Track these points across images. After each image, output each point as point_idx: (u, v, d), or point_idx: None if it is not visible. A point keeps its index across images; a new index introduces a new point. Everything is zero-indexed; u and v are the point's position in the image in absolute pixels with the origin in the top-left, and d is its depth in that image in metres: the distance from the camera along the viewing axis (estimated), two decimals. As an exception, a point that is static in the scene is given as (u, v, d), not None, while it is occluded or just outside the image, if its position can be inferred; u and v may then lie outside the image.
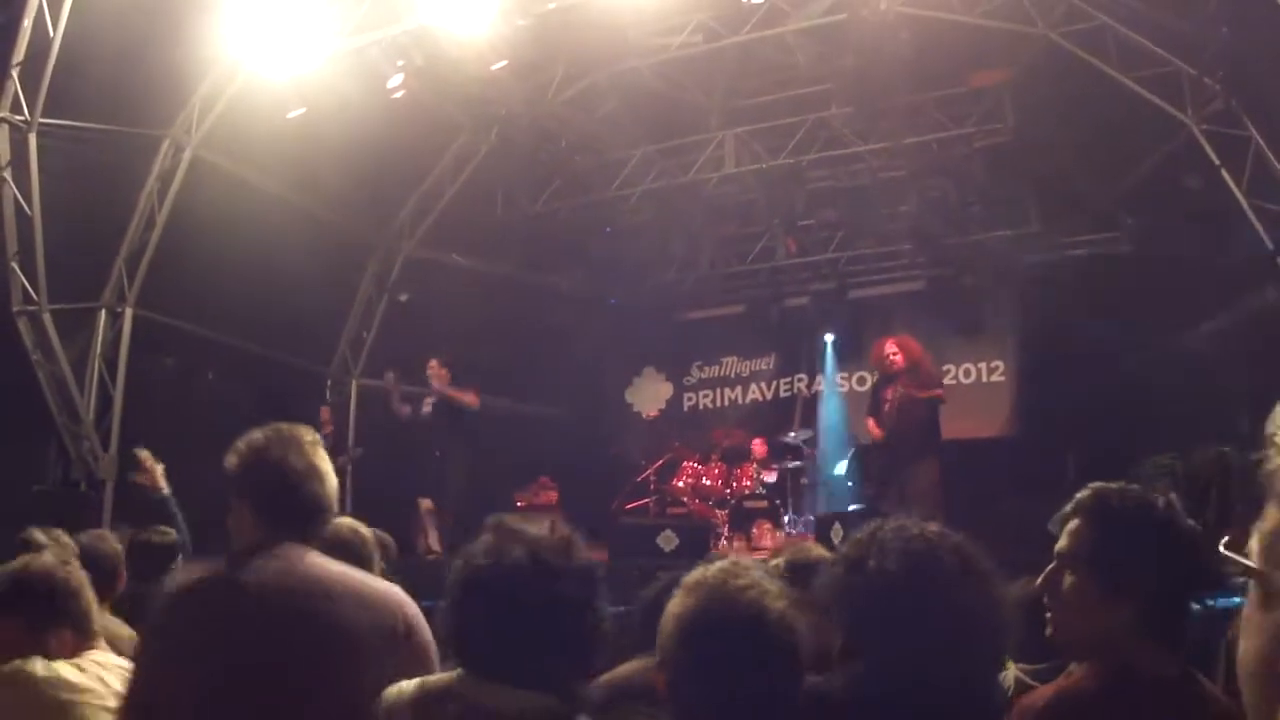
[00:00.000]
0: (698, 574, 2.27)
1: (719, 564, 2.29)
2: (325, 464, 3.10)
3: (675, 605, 2.23)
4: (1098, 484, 2.46)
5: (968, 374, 15.26)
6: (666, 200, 14.85)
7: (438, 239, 15.22)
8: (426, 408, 12.09)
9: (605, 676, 3.24)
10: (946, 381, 13.32)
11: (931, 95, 13.16)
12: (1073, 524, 2.48)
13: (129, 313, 11.80)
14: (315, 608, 2.84)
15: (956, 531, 2.41)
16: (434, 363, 12.07)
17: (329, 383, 15.01)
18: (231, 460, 3.08)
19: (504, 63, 11.59)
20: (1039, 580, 2.54)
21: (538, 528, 2.55)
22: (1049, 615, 2.50)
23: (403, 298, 15.12)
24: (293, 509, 3.02)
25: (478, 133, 14.16)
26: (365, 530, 4.48)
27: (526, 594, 2.37)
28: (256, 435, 3.08)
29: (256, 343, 13.36)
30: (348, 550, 4.17)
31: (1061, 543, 2.49)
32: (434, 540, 11.56)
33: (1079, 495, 2.49)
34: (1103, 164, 12.77)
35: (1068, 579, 2.45)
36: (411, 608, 3.02)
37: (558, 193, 15.14)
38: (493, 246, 15.55)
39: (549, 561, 2.42)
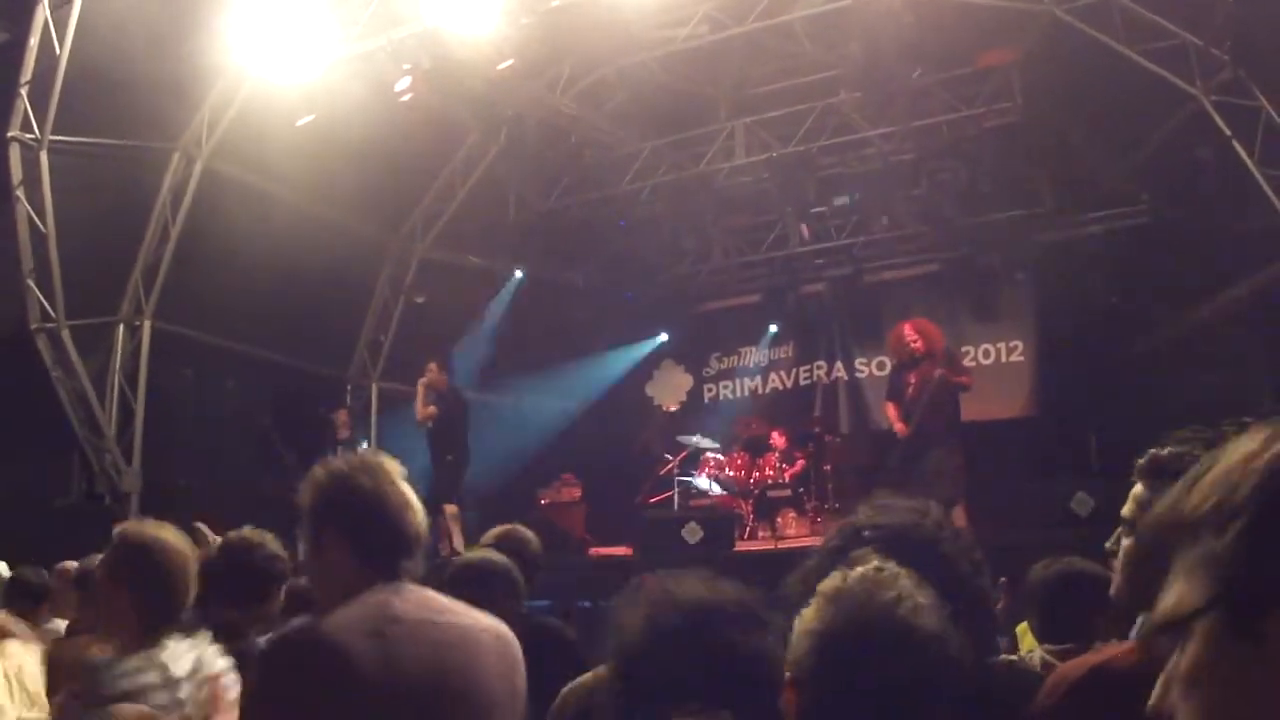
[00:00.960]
0: (836, 581, 2.01)
1: (860, 571, 2.02)
2: (413, 494, 2.87)
3: (813, 617, 1.98)
4: (1155, 449, 2.45)
5: (987, 355, 15.18)
6: (678, 192, 14.81)
7: (451, 240, 15.25)
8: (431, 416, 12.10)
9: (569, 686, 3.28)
10: (965, 363, 13.25)
11: (939, 77, 13.10)
12: (1135, 489, 2.49)
13: (147, 325, 11.89)
14: (466, 661, 2.69)
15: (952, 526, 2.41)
16: (433, 365, 12.07)
17: (349, 387, 15.03)
18: (317, 489, 2.79)
19: (510, 62, 11.56)
20: (1109, 543, 2.57)
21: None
22: (1116, 580, 2.54)
23: (418, 299, 15.15)
24: (399, 544, 2.77)
25: (487, 133, 14.07)
26: (499, 557, 4.41)
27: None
28: (336, 462, 2.82)
29: (275, 350, 13.40)
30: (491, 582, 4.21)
31: (1126, 508, 2.50)
32: (458, 543, 11.54)
33: (1139, 461, 2.48)
34: (1114, 140, 12.69)
35: (1127, 543, 2.47)
36: (518, 649, 2.87)
37: (569, 189, 15.11)
38: (506, 245, 15.55)
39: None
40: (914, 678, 1.89)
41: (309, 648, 2.51)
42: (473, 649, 2.71)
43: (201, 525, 5.49)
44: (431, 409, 11.99)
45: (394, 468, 2.81)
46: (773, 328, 16.63)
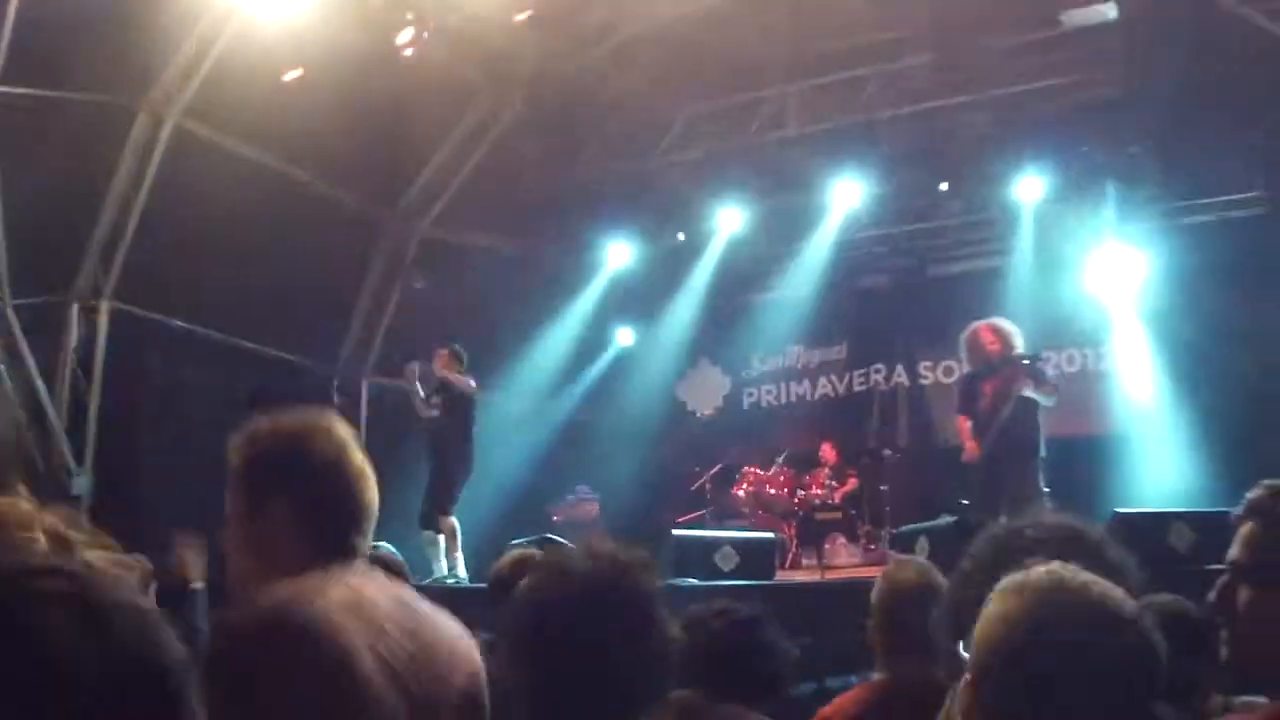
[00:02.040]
0: (1017, 578, 2.05)
1: (1040, 568, 2.07)
2: (368, 464, 2.71)
3: (998, 609, 2.02)
4: (1272, 481, 2.34)
5: (1071, 361, 14.99)
6: (719, 166, 14.67)
7: (457, 216, 15.13)
8: (434, 410, 11.79)
9: None
10: (1049, 371, 13.03)
11: (1025, 38, 12.89)
12: (1246, 528, 2.36)
13: (105, 306, 11.78)
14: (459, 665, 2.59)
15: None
16: (444, 353, 11.78)
17: (336, 382, 14.95)
18: (262, 450, 2.62)
19: (529, 13, 11.41)
20: (1212, 595, 2.42)
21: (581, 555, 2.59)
22: (1224, 637, 2.40)
23: (418, 284, 15.04)
24: (356, 520, 2.63)
25: (500, 94, 14.03)
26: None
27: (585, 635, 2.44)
28: (287, 420, 2.64)
29: (253, 338, 13.31)
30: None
31: (1234, 551, 2.37)
32: (458, 564, 11.37)
33: (1250, 495, 2.37)
34: (1228, 112, 12.43)
35: (1244, 593, 2.34)
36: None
37: (593, 161, 15.02)
38: (520, 223, 15.42)
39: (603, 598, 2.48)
40: (1123, 660, 1.96)
41: (308, 631, 2.30)
42: (456, 651, 2.61)
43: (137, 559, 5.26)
44: (435, 402, 11.72)
45: (346, 430, 2.69)
46: (825, 325, 16.46)
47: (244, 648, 2.29)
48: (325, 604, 2.34)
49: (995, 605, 2.03)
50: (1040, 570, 2.05)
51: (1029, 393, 10.22)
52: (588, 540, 2.68)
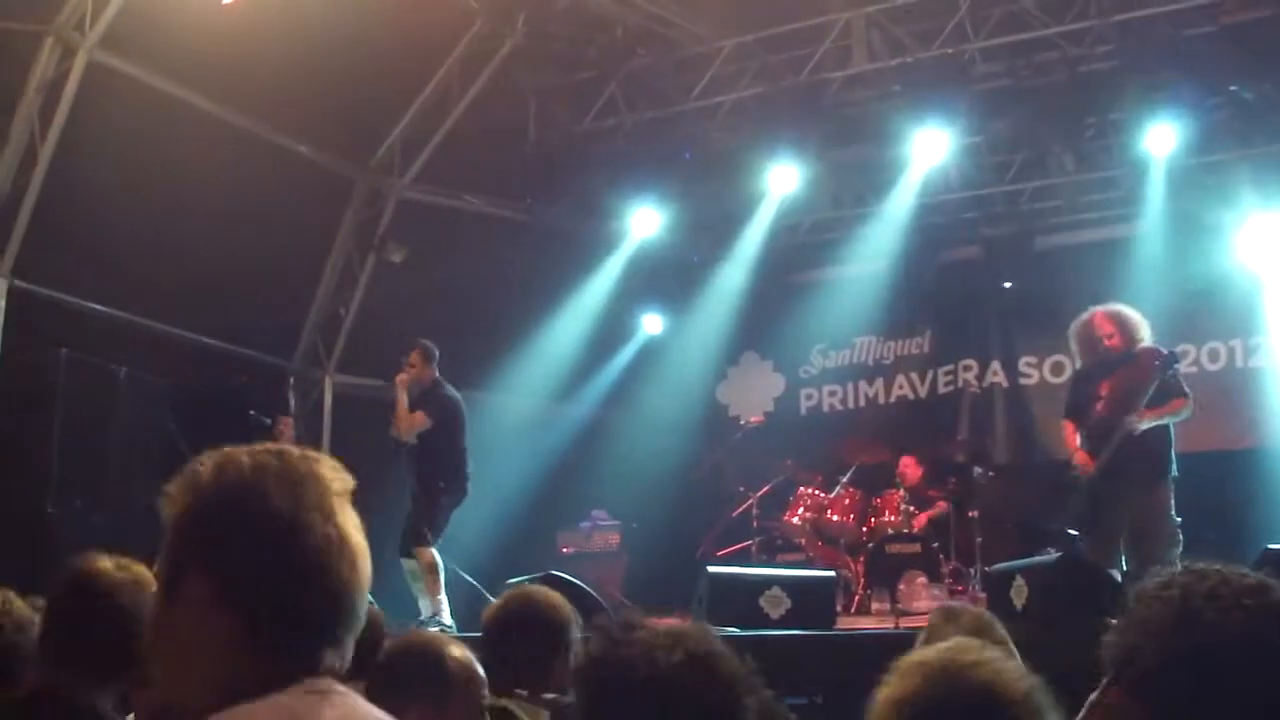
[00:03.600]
0: (915, 656, 2.56)
1: (941, 645, 2.59)
2: (361, 531, 2.32)
3: (892, 690, 2.49)
4: None
5: (1213, 357, 14.88)
6: (770, 111, 14.57)
7: (443, 174, 15.12)
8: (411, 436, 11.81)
9: None
10: (1184, 369, 12.87)
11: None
12: None
13: (1, 285, 11.80)
14: None
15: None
16: (415, 355, 11.81)
17: (291, 380, 14.95)
18: (183, 503, 2.24)
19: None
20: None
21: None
22: None
23: (395, 257, 15.01)
24: (323, 615, 2.24)
25: (497, 22, 13.98)
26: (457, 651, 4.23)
27: None
28: (239, 459, 2.25)
29: (187, 325, 13.29)
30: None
31: None
32: (436, 604, 11.30)
33: None
34: None
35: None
36: None
37: (613, 105, 14.96)
38: (522, 184, 15.37)
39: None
40: None
41: None
42: None
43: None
44: (420, 416, 11.69)
45: (334, 477, 2.28)
46: (902, 311, 16.43)
47: None
48: None
49: (888, 686, 2.49)
50: (937, 649, 2.53)
51: (1145, 425, 10.06)
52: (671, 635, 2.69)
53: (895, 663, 2.58)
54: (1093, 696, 2.57)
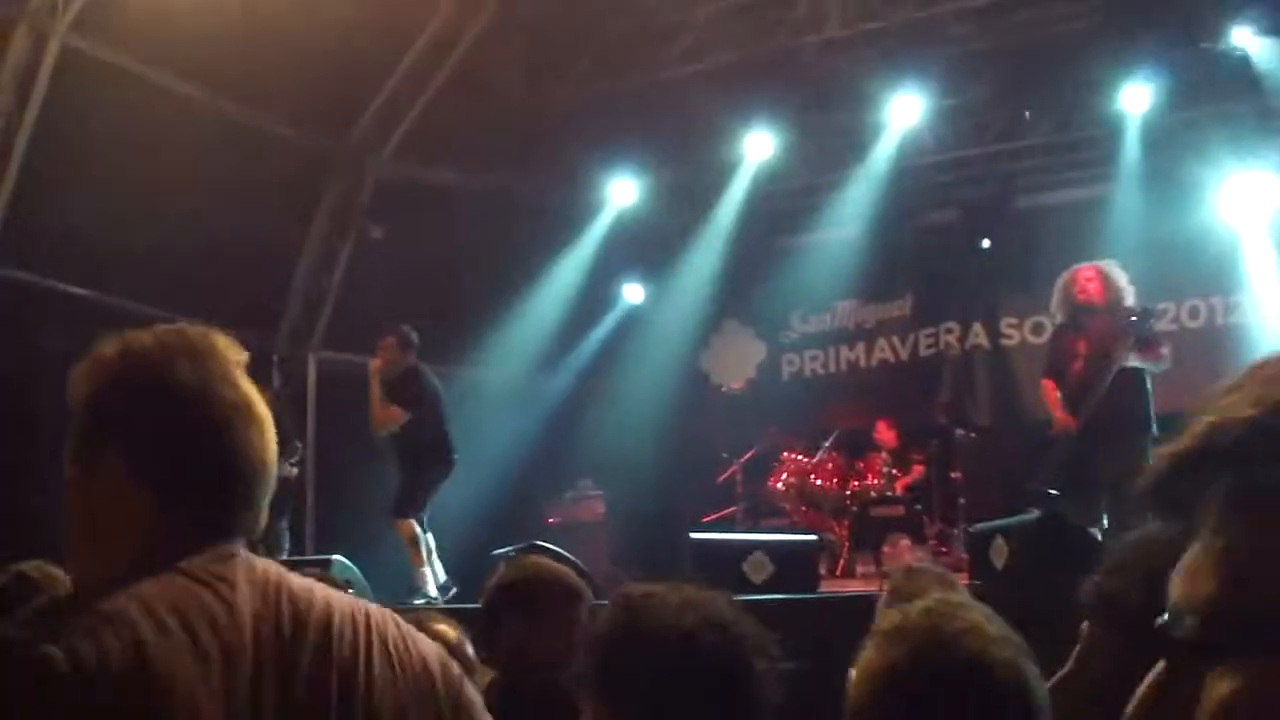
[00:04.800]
0: (896, 618, 2.46)
1: (921, 604, 2.49)
2: (262, 402, 2.37)
3: (871, 659, 2.41)
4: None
5: (1193, 314, 14.89)
6: (745, 77, 14.55)
7: (421, 148, 15.08)
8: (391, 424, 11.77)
9: None
10: (1164, 327, 12.91)
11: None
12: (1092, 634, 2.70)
13: (-19, 272, 11.74)
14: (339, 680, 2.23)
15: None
16: (389, 340, 11.71)
17: (275, 359, 14.93)
18: (93, 383, 2.28)
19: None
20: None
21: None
22: None
23: (375, 233, 15.00)
24: (234, 480, 2.26)
25: (463, 5, 13.93)
26: None
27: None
28: (142, 339, 2.30)
29: (169, 306, 13.20)
30: None
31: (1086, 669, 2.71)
32: (424, 577, 11.32)
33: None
34: None
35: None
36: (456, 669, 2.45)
37: (589, 73, 14.94)
38: (500, 156, 15.34)
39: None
40: (998, 703, 2.33)
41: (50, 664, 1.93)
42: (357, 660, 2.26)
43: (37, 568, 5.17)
44: (395, 412, 11.61)
45: (232, 349, 2.36)
46: (882, 274, 16.43)
47: None
48: (120, 608, 2.02)
49: (868, 653, 2.41)
50: (918, 610, 2.45)
51: (1133, 361, 10.09)
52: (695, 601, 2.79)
53: (874, 627, 2.52)
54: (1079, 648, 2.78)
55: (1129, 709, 1.45)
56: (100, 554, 2.22)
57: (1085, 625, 3.21)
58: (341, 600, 2.32)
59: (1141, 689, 1.45)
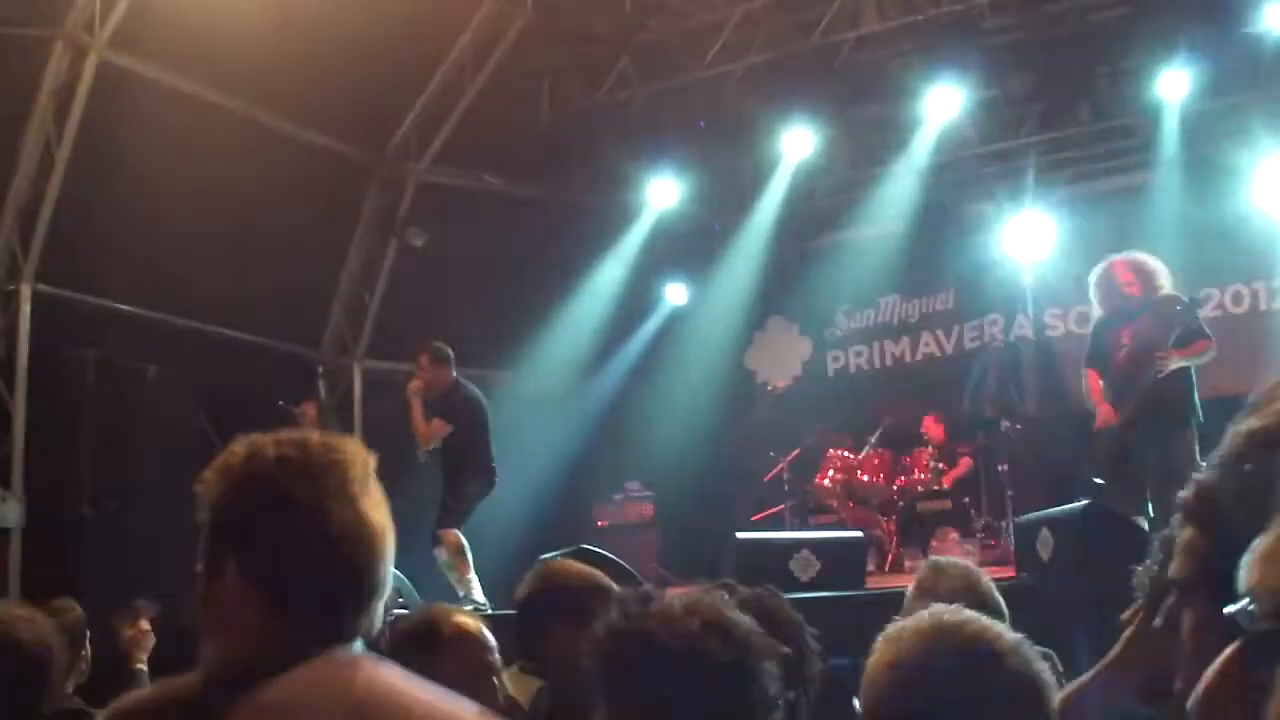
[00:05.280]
0: (896, 626, 2.54)
1: (923, 612, 2.57)
2: (382, 509, 2.55)
3: (882, 654, 2.48)
4: (1203, 473, 2.24)
5: (1237, 299, 14.77)
6: (782, 76, 14.54)
7: (460, 156, 15.10)
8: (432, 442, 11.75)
9: None
10: (1208, 313, 12.84)
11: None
12: (1183, 537, 2.30)
13: (25, 290, 11.81)
14: None
15: None
16: (424, 358, 11.68)
17: (320, 369, 14.93)
18: (219, 488, 2.45)
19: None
20: (1159, 619, 2.60)
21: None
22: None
23: (417, 242, 15.02)
24: (340, 590, 2.45)
25: (506, 1, 13.93)
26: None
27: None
28: (266, 451, 2.46)
29: (213, 320, 13.30)
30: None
31: (1175, 564, 2.32)
32: (468, 585, 11.32)
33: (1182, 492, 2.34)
34: None
35: (1188, 617, 2.27)
36: None
37: (625, 78, 14.94)
38: (539, 161, 15.35)
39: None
40: (1008, 692, 2.39)
41: None
42: None
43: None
44: (439, 425, 11.58)
45: (357, 460, 2.49)
46: (925, 268, 16.36)
47: None
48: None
49: (879, 654, 2.47)
50: (929, 614, 2.51)
51: (1175, 364, 9.97)
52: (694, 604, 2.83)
53: (883, 630, 2.57)
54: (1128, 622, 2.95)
55: (1197, 691, 1.46)
56: (219, 650, 2.41)
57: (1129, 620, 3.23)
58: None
59: (1211, 673, 1.44)
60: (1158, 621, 2.56)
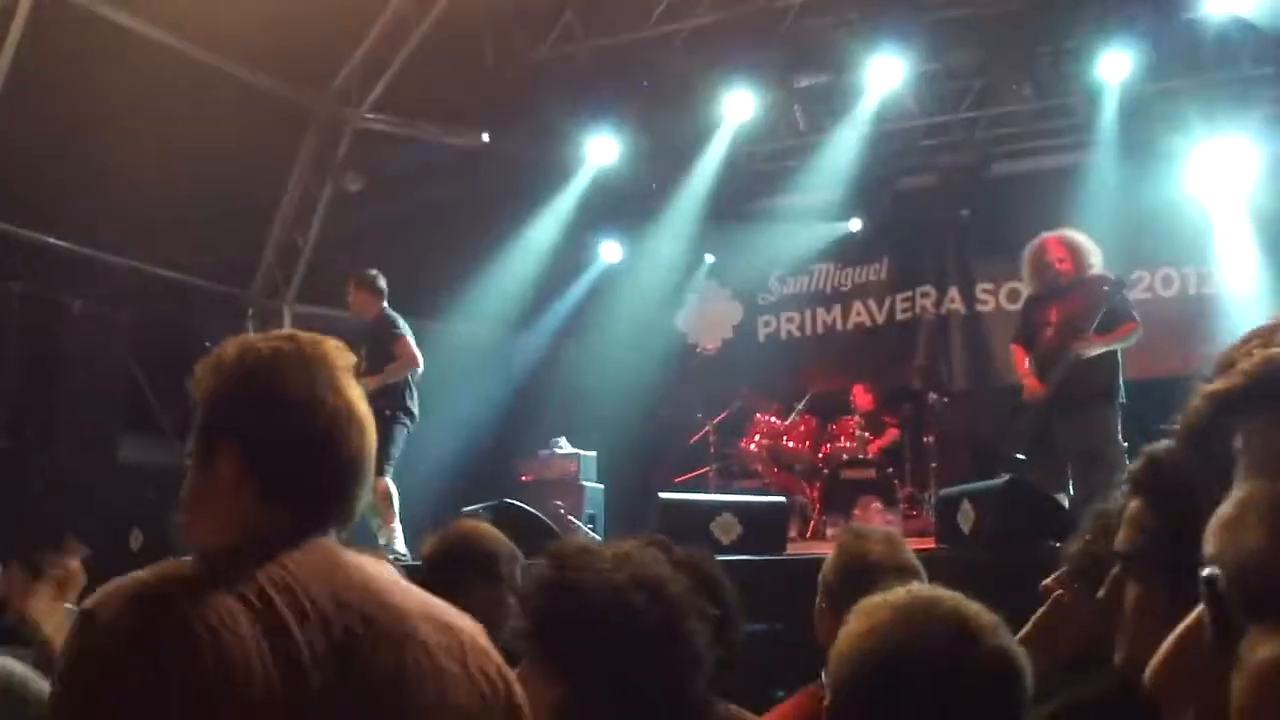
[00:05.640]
0: (872, 600, 2.52)
1: (904, 589, 2.56)
2: (365, 402, 2.66)
3: (857, 627, 2.46)
4: (1152, 446, 2.45)
5: (1167, 283, 14.90)
6: (727, 39, 14.48)
7: (400, 102, 14.97)
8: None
9: None
10: (1138, 295, 12.94)
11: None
12: (1130, 509, 2.49)
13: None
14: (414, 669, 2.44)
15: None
16: (354, 285, 11.65)
17: (249, 311, 14.84)
18: (210, 382, 2.56)
19: None
20: (1101, 592, 2.68)
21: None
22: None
23: (353, 186, 14.91)
24: (330, 479, 2.54)
25: (453, -53, 13.84)
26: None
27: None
28: (258, 346, 2.58)
29: (142, 256, 13.19)
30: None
31: (1121, 535, 2.50)
32: (393, 537, 11.26)
33: (1131, 466, 2.54)
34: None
35: (1132, 588, 2.44)
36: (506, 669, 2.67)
37: (570, 31, 14.83)
38: (479, 111, 15.26)
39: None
40: (984, 668, 2.38)
41: (191, 628, 2.17)
42: (440, 643, 2.51)
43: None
44: (372, 381, 11.49)
45: (339, 355, 2.61)
46: (856, 231, 16.43)
47: (94, 643, 2.20)
48: (216, 588, 2.25)
49: (856, 623, 2.45)
50: (901, 593, 2.50)
51: (1095, 350, 10.04)
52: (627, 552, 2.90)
53: (858, 604, 2.55)
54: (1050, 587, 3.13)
55: (1156, 661, 1.42)
56: (210, 534, 2.48)
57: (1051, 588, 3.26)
58: (421, 602, 2.57)
59: (1171, 642, 1.40)
60: (1101, 593, 2.64)
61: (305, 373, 2.51)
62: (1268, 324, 1.33)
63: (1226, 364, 1.32)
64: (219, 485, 2.49)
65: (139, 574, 2.25)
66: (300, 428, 2.48)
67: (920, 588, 2.61)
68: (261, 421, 2.49)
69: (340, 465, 2.52)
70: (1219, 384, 1.29)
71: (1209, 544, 1.29)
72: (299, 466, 2.49)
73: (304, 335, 2.61)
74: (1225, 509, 1.29)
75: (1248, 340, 1.34)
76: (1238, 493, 1.28)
